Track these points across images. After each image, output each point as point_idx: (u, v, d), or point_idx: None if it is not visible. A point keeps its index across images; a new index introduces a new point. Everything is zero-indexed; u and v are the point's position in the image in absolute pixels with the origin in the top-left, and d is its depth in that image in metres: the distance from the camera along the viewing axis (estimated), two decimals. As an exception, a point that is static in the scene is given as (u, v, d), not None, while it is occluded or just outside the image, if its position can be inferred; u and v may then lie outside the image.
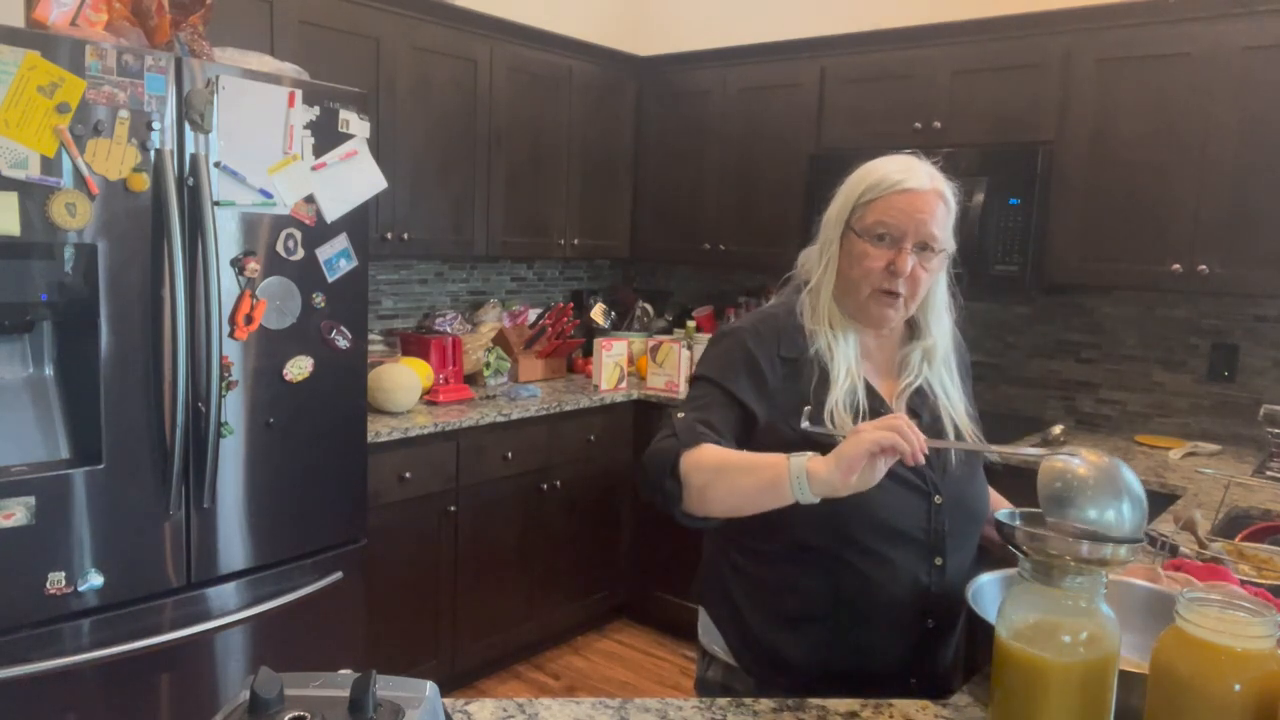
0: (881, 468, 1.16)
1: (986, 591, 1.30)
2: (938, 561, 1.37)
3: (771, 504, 1.23)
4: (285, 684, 0.80)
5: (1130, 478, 1.16)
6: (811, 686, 1.34)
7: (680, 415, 1.37)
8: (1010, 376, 3.46)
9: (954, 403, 1.45)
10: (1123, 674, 1.03)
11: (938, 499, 1.37)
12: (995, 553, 1.46)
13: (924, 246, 1.36)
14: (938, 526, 1.37)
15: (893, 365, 1.47)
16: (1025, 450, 1.26)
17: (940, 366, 1.46)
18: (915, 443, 1.14)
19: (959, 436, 1.43)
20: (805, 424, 1.30)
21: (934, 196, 1.36)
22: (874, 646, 1.38)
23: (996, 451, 1.33)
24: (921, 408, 1.44)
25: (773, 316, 1.45)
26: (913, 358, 1.46)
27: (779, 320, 1.44)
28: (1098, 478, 1.14)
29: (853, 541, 1.34)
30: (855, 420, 1.34)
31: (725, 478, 1.27)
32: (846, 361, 1.39)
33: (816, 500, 1.18)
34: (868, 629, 1.37)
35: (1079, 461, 1.17)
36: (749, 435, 1.38)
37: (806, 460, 1.18)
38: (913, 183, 1.35)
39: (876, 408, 1.38)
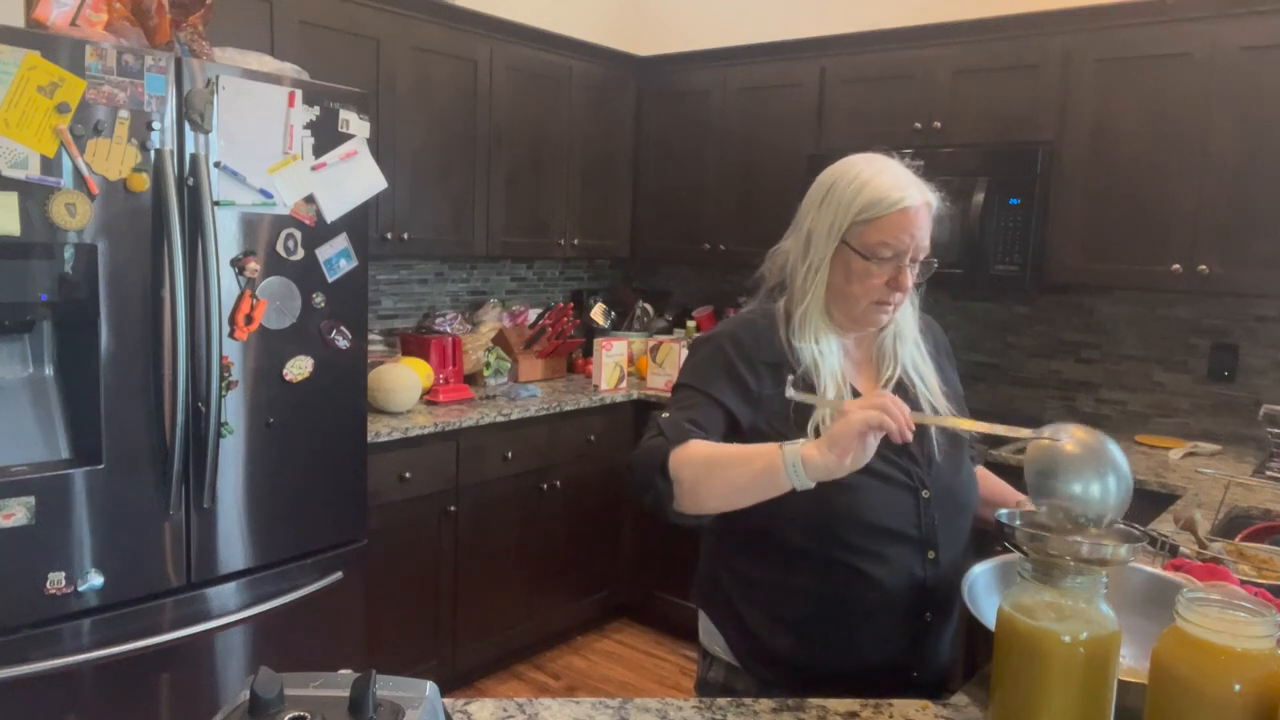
0: (872, 445, 1.16)
1: (980, 582, 1.32)
2: (930, 555, 1.38)
3: (767, 494, 1.23)
4: (285, 684, 0.80)
5: (1116, 454, 1.20)
6: (814, 684, 1.34)
7: (665, 415, 1.37)
8: (1010, 376, 3.46)
9: (930, 385, 1.48)
10: (1121, 683, 1.03)
11: (925, 493, 1.38)
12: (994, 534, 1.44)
13: (916, 258, 1.40)
14: (928, 521, 1.38)
15: (871, 359, 1.50)
16: (1016, 431, 1.25)
17: (911, 348, 1.49)
18: (901, 419, 1.15)
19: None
20: (791, 392, 1.29)
21: (926, 210, 1.39)
22: (874, 643, 1.39)
23: (984, 429, 1.29)
24: (904, 400, 1.44)
25: (751, 323, 1.45)
26: (886, 346, 1.49)
27: (758, 326, 1.44)
28: (1083, 454, 1.19)
29: (845, 543, 1.34)
30: None
31: (718, 471, 1.26)
32: (832, 373, 1.40)
33: (813, 485, 1.18)
34: (867, 627, 1.38)
35: (1065, 438, 1.20)
36: (734, 438, 1.37)
37: (800, 447, 1.18)
38: (909, 201, 1.36)
39: None
